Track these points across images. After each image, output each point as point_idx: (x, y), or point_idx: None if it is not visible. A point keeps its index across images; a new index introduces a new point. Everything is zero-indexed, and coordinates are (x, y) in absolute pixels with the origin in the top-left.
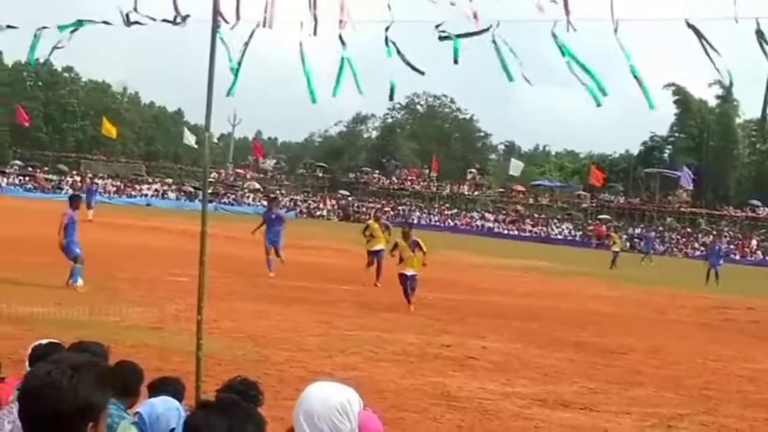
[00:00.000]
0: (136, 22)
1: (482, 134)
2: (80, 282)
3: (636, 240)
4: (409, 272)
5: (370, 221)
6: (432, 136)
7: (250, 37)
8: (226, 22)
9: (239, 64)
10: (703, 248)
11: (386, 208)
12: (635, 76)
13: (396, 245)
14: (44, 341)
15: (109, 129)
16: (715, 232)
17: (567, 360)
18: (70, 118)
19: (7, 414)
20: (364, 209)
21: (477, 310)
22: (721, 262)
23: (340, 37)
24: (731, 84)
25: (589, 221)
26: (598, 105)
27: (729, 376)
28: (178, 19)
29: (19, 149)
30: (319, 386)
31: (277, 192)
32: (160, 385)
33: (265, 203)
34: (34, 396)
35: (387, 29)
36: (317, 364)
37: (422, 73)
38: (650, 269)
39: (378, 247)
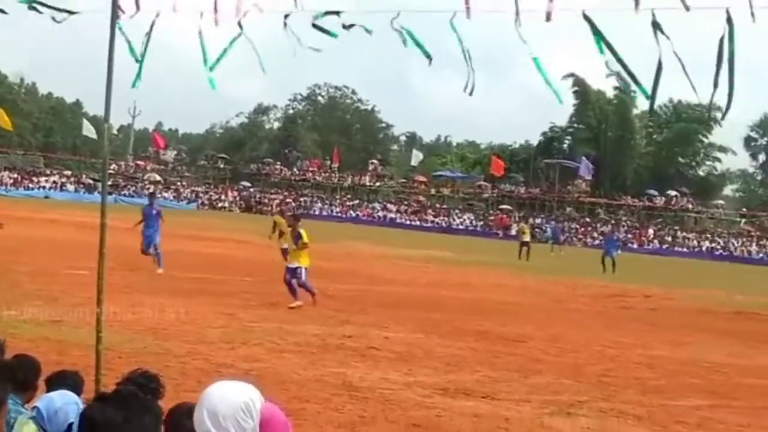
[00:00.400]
0: (35, 9)
1: (384, 125)
2: None
3: (537, 230)
4: (293, 265)
5: (276, 217)
6: (334, 127)
7: (152, 27)
8: (123, 12)
9: (143, 56)
10: (601, 237)
11: (288, 200)
12: (539, 69)
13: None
14: None
15: (6, 121)
16: (613, 222)
17: (469, 349)
18: None
19: None
20: (266, 201)
21: (379, 300)
22: (618, 251)
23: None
24: (623, 76)
25: (491, 211)
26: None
27: (627, 363)
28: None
29: None
30: (221, 386)
31: (178, 184)
32: (58, 378)
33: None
34: None
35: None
36: (219, 356)
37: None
38: (555, 259)
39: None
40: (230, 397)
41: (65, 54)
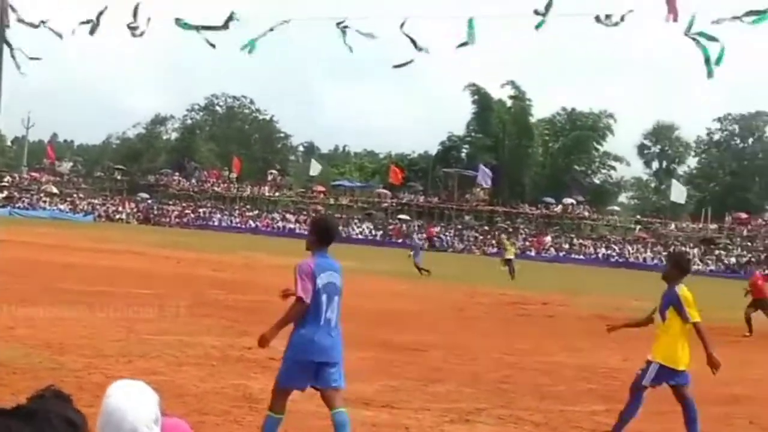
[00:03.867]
0: None
1: (282, 135)
2: None
3: (436, 239)
4: None
5: None
6: (232, 137)
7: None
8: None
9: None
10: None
11: (187, 211)
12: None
13: None
14: None
15: None
16: (511, 230)
17: (369, 359)
18: None
19: None
20: (164, 212)
21: (277, 311)
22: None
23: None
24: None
25: (390, 221)
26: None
27: (525, 370)
28: None
29: None
30: (126, 392)
31: (75, 196)
32: None
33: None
34: None
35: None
36: (117, 369)
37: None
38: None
39: None
40: (138, 407)
41: None
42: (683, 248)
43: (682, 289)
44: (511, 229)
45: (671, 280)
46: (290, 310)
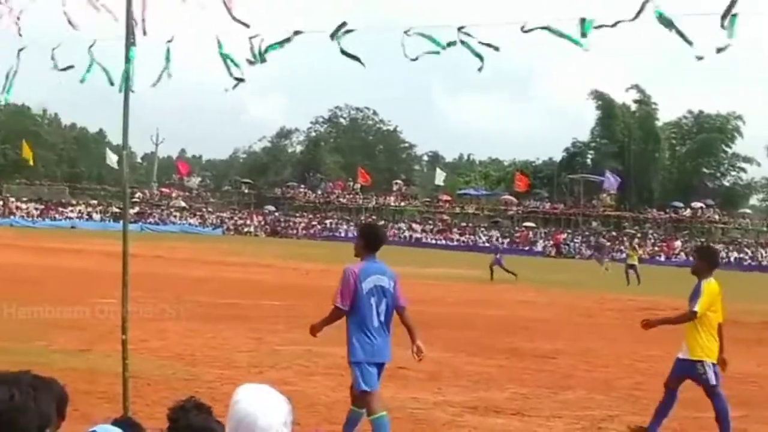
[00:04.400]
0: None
1: (406, 145)
2: None
3: (563, 246)
4: None
5: None
6: (356, 148)
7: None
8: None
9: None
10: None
11: (314, 222)
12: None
13: None
14: None
15: (28, 154)
16: (639, 235)
17: (498, 366)
18: None
19: None
20: (291, 224)
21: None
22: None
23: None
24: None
25: (516, 228)
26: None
27: (657, 376)
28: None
29: None
30: (255, 396)
31: (204, 210)
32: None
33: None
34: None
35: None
36: (248, 380)
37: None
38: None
39: None
40: (271, 412)
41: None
42: None
43: (709, 283)
44: (639, 234)
45: (700, 274)
46: (330, 314)
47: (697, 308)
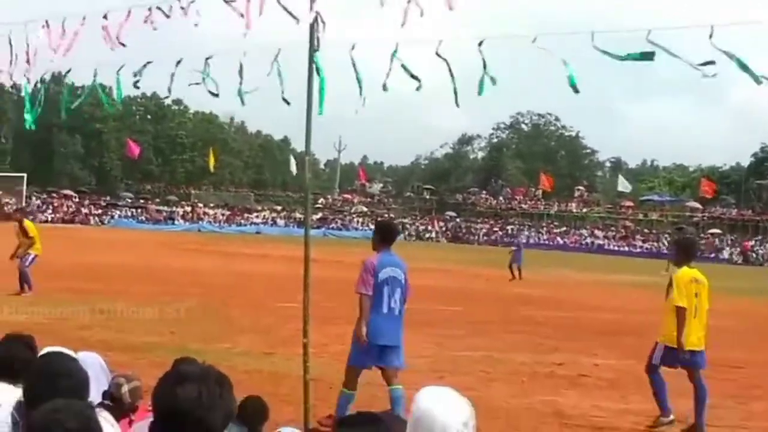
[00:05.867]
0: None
1: (588, 151)
2: None
3: (751, 253)
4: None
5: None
6: (538, 154)
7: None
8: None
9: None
10: None
11: (495, 228)
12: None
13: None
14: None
15: (214, 160)
16: None
17: (680, 374)
18: (179, 149)
19: None
20: (473, 230)
21: (588, 327)
22: None
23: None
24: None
25: (702, 235)
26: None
27: None
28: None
29: (129, 182)
30: (435, 396)
31: (385, 216)
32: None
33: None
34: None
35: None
36: (428, 384)
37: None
38: None
39: None
40: (451, 414)
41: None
42: None
43: (681, 271)
44: None
45: (677, 265)
46: (360, 305)
47: (678, 302)
